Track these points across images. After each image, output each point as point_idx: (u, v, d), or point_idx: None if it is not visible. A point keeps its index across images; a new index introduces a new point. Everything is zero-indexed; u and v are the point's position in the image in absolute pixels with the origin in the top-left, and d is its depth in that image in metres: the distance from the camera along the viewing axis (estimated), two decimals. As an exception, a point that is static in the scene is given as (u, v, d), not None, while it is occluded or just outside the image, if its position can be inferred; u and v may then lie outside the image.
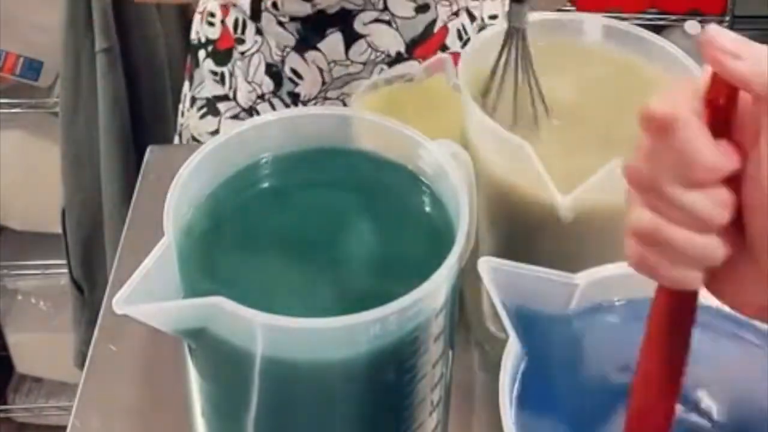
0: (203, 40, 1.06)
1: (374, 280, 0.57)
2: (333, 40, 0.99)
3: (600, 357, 0.54)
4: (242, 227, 0.60)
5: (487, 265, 0.54)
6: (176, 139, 1.16)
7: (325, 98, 1.02)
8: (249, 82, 1.02)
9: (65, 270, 1.59)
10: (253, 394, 0.54)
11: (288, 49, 1.00)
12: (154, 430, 0.75)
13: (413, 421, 0.57)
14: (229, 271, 0.57)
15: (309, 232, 0.60)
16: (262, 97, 1.02)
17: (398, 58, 1.00)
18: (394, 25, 0.99)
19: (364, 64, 1.00)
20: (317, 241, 0.60)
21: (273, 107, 1.02)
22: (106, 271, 1.49)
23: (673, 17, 2.02)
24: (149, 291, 0.50)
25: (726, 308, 0.52)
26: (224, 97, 1.05)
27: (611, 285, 0.56)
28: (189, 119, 1.09)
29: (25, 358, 1.94)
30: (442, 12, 1.00)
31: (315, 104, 1.01)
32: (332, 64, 1.00)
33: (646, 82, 0.73)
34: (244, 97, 1.03)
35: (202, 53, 1.06)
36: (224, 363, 0.54)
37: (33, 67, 1.66)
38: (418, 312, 0.52)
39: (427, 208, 0.61)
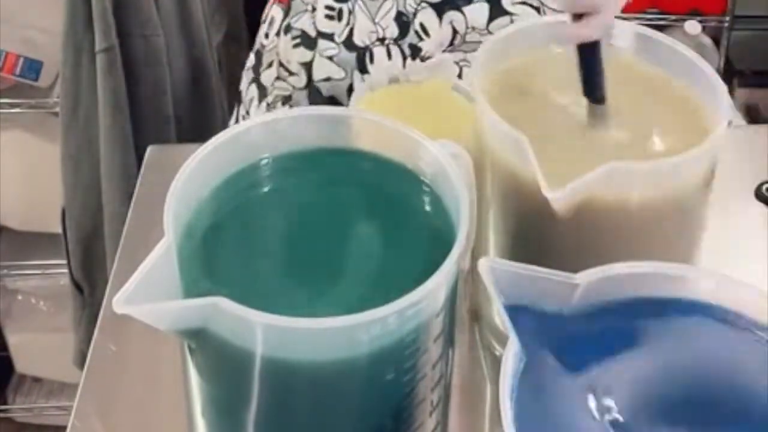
0: None
1: (374, 281, 0.57)
2: (478, 8, 1.00)
3: (600, 357, 0.54)
4: (242, 227, 0.60)
5: (486, 264, 0.54)
6: (252, 58, 1.15)
7: None
8: (374, 23, 1.02)
9: (65, 270, 1.58)
10: (253, 394, 0.54)
11: (424, 4, 1.00)
12: (154, 430, 0.75)
13: (413, 421, 0.57)
14: (229, 271, 0.57)
15: (309, 232, 0.60)
16: (382, 40, 1.02)
17: None
18: (542, 13, 1.01)
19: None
20: (317, 241, 0.60)
21: (389, 54, 1.02)
22: (106, 271, 1.49)
23: (673, 17, 2.02)
24: (149, 291, 0.50)
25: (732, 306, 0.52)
26: (329, 36, 1.04)
27: (611, 285, 0.56)
28: (280, 46, 1.08)
29: (25, 358, 1.94)
30: None
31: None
32: (470, 29, 1.01)
33: (651, 82, 0.73)
34: (362, 35, 1.02)
35: None
36: (224, 363, 0.54)
37: (33, 67, 1.66)
38: (418, 312, 0.52)
39: (427, 208, 0.61)
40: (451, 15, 1.00)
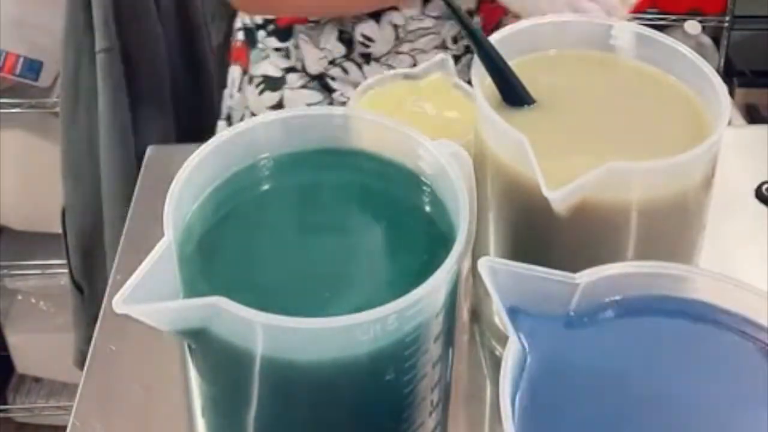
0: (260, 21, 1.12)
1: (374, 280, 0.57)
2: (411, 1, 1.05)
3: (600, 356, 0.54)
4: (242, 227, 0.60)
5: (486, 264, 0.54)
6: (222, 124, 1.21)
7: (397, 53, 1.07)
8: (320, 49, 1.07)
9: (65, 270, 1.58)
10: (253, 393, 0.54)
11: (362, 16, 1.05)
12: (154, 430, 0.75)
13: (413, 421, 0.57)
14: (229, 271, 0.57)
15: (309, 232, 0.60)
16: (333, 62, 1.08)
17: (468, 15, 1.06)
18: None
19: (437, 18, 1.06)
20: (317, 241, 0.60)
21: (345, 71, 1.08)
22: (106, 271, 1.49)
23: (673, 17, 2.02)
24: (149, 291, 0.50)
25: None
26: (291, 69, 1.11)
27: (611, 285, 0.56)
28: (248, 97, 1.14)
29: (25, 358, 1.94)
30: None
31: (387, 60, 1.07)
32: (408, 20, 1.05)
33: (651, 83, 0.73)
34: (314, 64, 1.09)
35: (261, 33, 1.11)
36: (224, 363, 0.54)
37: (33, 67, 1.66)
38: (418, 312, 0.52)
39: (427, 208, 0.61)
40: (388, 15, 1.05)
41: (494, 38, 0.73)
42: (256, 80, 1.13)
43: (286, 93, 1.11)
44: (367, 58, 1.07)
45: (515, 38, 0.74)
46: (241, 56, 1.16)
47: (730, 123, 0.66)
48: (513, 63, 0.71)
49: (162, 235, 0.53)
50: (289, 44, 1.09)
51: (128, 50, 1.42)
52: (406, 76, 0.85)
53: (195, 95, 1.54)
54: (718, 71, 0.76)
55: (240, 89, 1.16)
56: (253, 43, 1.14)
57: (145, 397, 0.77)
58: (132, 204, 0.95)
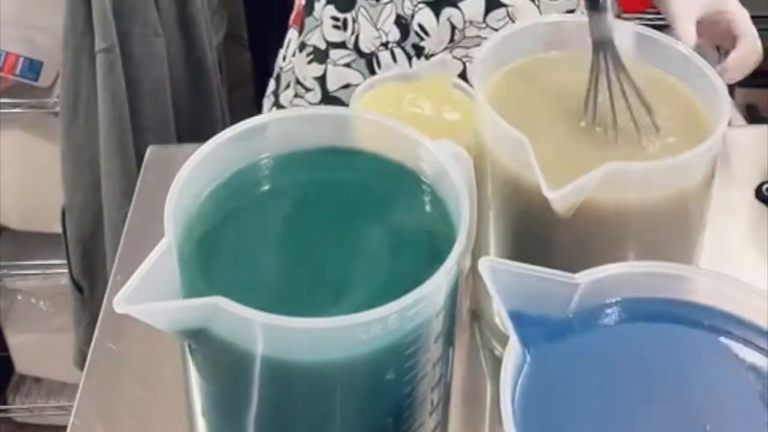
0: None
1: (374, 280, 0.57)
2: (474, 2, 1.02)
3: (601, 356, 0.54)
4: (242, 227, 0.60)
5: (486, 264, 0.54)
6: (272, 83, 1.19)
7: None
8: (377, 29, 1.05)
9: (65, 270, 1.58)
10: (253, 393, 0.54)
11: (421, 5, 1.03)
12: (154, 430, 0.75)
13: (413, 421, 0.57)
14: (229, 271, 0.57)
15: (309, 232, 0.60)
16: (386, 45, 1.06)
17: None
18: (536, 2, 1.03)
19: (497, 31, 1.03)
20: (317, 241, 0.60)
21: (394, 58, 1.06)
22: (106, 271, 1.49)
23: (674, 17, 2.01)
24: (149, 291, 0.50)
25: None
26: (340, 44, 1.08)
27: (611, 285, 0.56)
28: (296, 64, 1.13)
29: (25, 358, 1.93)
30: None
31: None
32: (467, 24, 1.03)
33: (651, 82, 0.73)
34: (367, 42, 1.06)
35: (320, 2, 1.09)
36: (224, 363, 0.54)
37: (33, 67, 1.66)
38: (418, 312, 0.52)
39: (427, 208, 0.61)
40: (448, 12, 1.02)
41: (496, 38, 0.73)
42: (308, 49, 1.11)
43: (329, 67, 1.09)
44: (420, 51, 1.05)
45: (516, 38, 0.74)
46: (297, 20, 1.14)
47: (730, 123, 0.66)
48: (514, 64, 0.72)
49: (162, 235, 0.53)
50: (348, 16, 1.07)
51: (128, 50, 1.42)
52: (406, 76, 0.85)
53: (195, 95, 1.54)
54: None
55: (294, 54, 1.15)
56: (309, 10, 1.12)
57: (145, 397, 0.77)
58: (132, 204, 0.95)
